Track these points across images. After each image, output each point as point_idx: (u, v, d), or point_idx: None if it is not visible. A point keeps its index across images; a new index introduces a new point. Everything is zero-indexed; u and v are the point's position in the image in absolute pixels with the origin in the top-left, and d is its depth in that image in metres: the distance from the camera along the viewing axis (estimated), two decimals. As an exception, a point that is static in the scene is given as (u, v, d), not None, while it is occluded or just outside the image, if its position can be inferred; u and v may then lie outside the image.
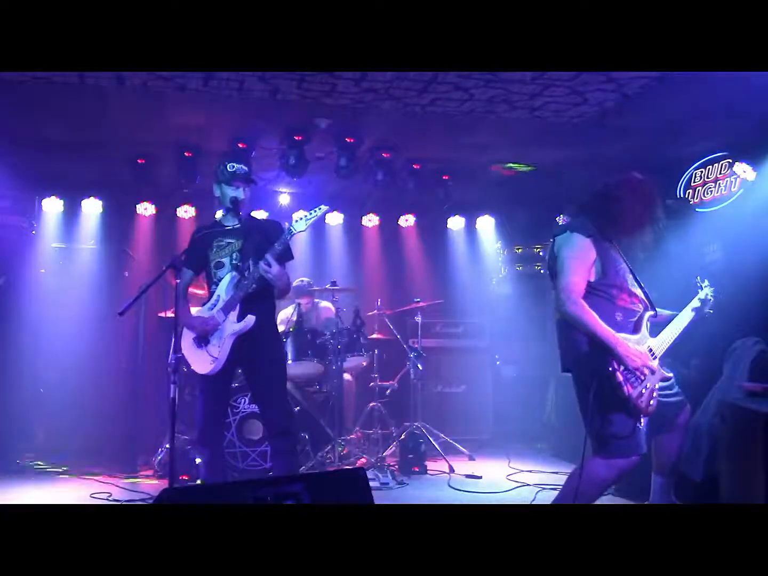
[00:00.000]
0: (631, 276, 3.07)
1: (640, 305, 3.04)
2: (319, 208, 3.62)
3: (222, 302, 3.58)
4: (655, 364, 2.93)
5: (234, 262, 3.63)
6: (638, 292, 3.07)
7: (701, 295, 3.37)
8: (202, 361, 3.61)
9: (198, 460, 3.80)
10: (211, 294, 3.68)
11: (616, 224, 3.01)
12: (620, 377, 2.80)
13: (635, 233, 3.03)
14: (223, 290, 3.60)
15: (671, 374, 3.03)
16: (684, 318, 3.27)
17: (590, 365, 2.87)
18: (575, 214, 3.20)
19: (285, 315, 5.97)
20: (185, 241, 3.91)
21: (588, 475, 2.86)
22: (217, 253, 3.66)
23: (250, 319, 3.54)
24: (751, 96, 4.26)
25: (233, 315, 3.55)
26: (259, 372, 3.67)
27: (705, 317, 3.34)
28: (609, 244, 3.01)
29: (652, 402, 2.87)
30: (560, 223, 6.44)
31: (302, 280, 6.20)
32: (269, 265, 3.43)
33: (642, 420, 2.87)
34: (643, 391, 2.84)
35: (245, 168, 3.72)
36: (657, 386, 2.92)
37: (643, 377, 2.86)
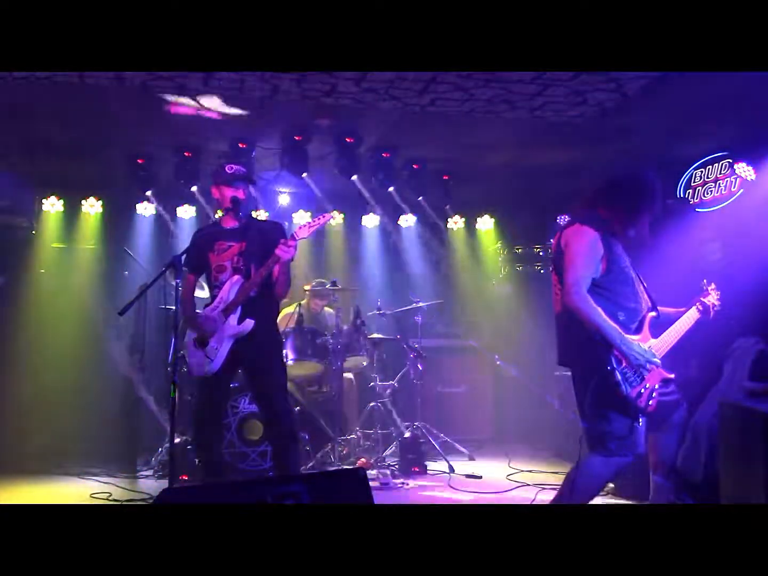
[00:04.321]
0: (635, 274, 3.06)
1: (644, 305, 3.04)
2: (323, 216, 3.62)
3: (223, 305, 3.58)
4: (658, 364, 2.93)
5: (235, 265, 3.63)
6: (642, 291, 3.06)
7: (708, 299, 3.35)
8: (199, 363, 3.61)
9: (197, 461, 3.81)
10: (213, 297, 3.69)
11: (622, 217, 3.00)
12: (618, 376, 2.79)
13: (639, 225, 3.03)
14: (225, 293, 3.60)
15: (672, 375, 3.02)
16: (687, 320, 3.26)
17: (590, 362, 2.87)
18: (582, 208, 3.17)
19: (286, 314, 5.96)
20: (185, 241, 3.91)
21: (585, 473, 2.86)
22: (218, 256, 3.66)
23: (249, 322, 3.54)
24: (751, 96, 4.26)
25: (233, 318, 3.55)
26: (259, 374, 3.68)
27: (706, 320, 3.33)
28: (615, 240, 3.01)
29: (651, 402, 2.86)
30: (564, 221, 6.41)
31: (322, 281, 6.14)
32: (290, 245, 3.43)
33: (641, 419, 2.87)
34: (642, 390, 2.84)
35: (243, 169, 3.73)
36: (656, 386, 2.92)
37: (643, 376, 2.86)
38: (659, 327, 3.13)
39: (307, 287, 5.98)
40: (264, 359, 3.65)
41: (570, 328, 2.94)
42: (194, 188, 5.98)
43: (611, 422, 2.85)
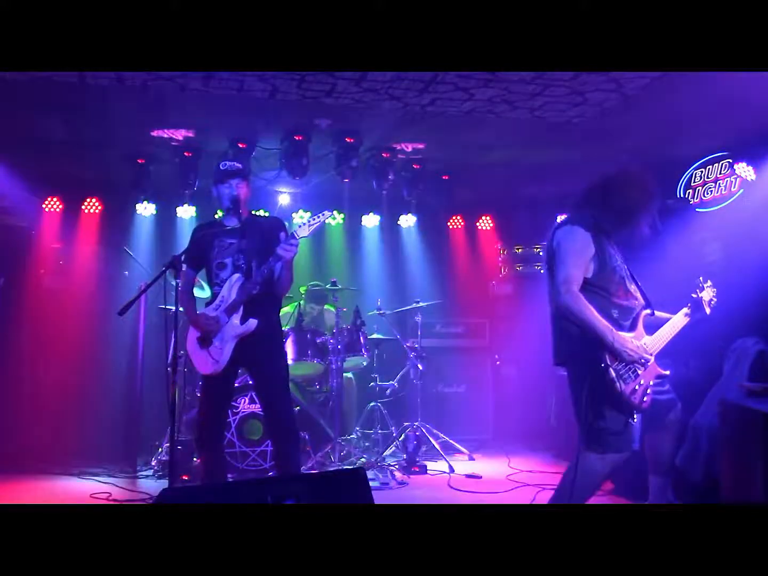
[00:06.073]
0: (628, 273, 3.07)
1: (637, 303, 3.04)
2: (323, 214, 3.60)
3: (226, 303, 3.57)
4: (650, 360, 2.94)
5: (236, 263, 3.62)
6: (635, 289, 3.06)
7: (703, 295, 3.35)
8: (204, 362, 3.60)
9: (197, 460, 3.81)
10: (214, 295, 3.68)
11: (614, 216, 3.01)
12: (613, 373, 2.80)
13: (632, 224, 3.04)
14: (226, 291, 3.59)
15: (668, 372, 3.02)
16: (681, 317, 3.26)
17: (584, 360, 2.87)
18: (574, 208, 3.18)
19: (285, 313, 5.96)
20: (185, 241, 3.91)
21: (582, 471, 2.87)
22: (218, 254, 3.65)
23: (252, 322, 3.53)
24: (751, 96, 4.26)
25: (236, 317, 3.55)
26: (261, 374, 3.68)
27: (704, 318, 3.34)
28: (607, 239, 3.01)
29: (645, 398, 2.87)
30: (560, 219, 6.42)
31: (318, 284, 6.15)
32: (292, 243, 3.42)
33: (635, 416, 2.88)
34: (637, 387, 2.85)
35: (237, 164, 3.71)
36: (651, 383, 2.92)
37: (637, 373, 2.86)
38: (653, 327, 3.13)
39: (303, 288, 5.98)
40: (267, 358, 3.65)
41: (563, 327, 2.96)
42: (194, 188, 5.97)
43: (606, 419, 2.86)
